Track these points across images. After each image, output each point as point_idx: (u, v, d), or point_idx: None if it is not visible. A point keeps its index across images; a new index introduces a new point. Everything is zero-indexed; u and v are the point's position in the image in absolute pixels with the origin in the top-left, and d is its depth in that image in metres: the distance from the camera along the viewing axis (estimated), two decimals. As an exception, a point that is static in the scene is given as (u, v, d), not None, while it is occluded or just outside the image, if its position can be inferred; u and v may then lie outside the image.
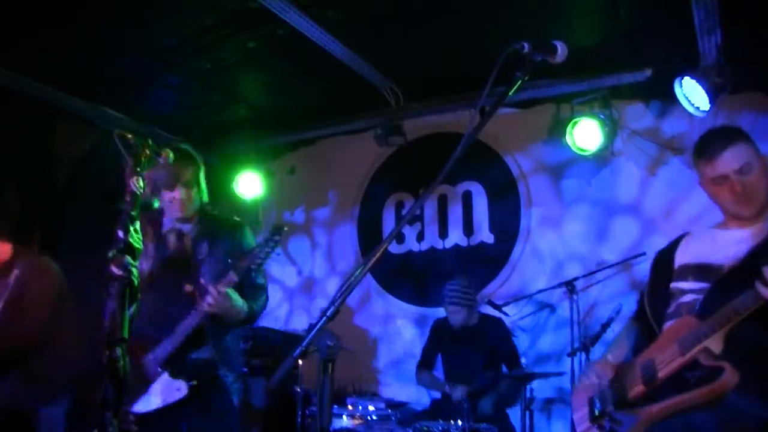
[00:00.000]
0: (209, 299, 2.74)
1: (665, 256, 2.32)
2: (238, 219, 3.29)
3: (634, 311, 2.48)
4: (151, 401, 2.81)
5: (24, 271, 3.17)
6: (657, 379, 1.96)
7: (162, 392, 2.81)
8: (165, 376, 2.82)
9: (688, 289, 2.11)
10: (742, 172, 2.07)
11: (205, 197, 3.20)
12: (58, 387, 3.32)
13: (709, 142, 2.19)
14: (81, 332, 3.44)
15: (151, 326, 2.88)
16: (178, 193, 3.03)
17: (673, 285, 2.17)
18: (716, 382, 1.81)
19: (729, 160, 2.08)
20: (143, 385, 2.82)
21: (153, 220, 3.09)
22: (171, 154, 2.25)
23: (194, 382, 2.81)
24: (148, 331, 2.87)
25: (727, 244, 2.09)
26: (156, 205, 3.10)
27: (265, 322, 5.74)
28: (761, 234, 2.06)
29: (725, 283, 1.98)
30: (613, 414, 2.04)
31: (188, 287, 2.95)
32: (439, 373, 4.67)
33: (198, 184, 3.16)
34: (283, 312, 6.12)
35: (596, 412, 2.12)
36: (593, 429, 2.12)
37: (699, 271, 2.11)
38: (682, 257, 2.23)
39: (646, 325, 2.28)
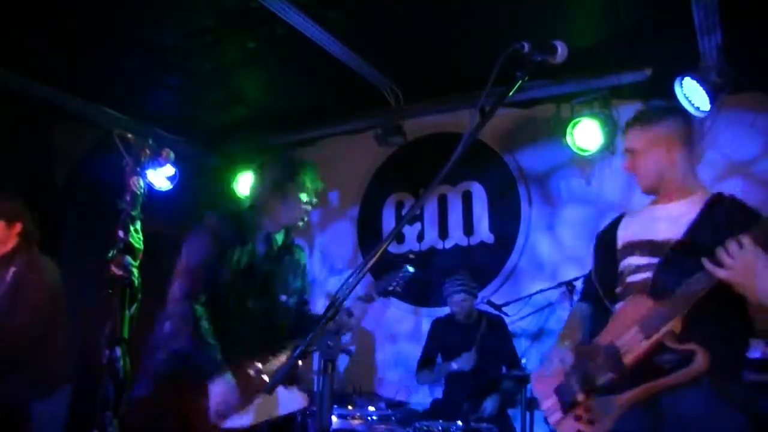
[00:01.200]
0: (358, 312, 2.91)
1: (607, 235, 2.39)
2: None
3: (580, 292, 2.55)
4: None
5: (21, 269, 3.19)
6: (623, 365, 1.99)
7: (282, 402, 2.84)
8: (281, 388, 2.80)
9: (636, 265, 2.17)
10: (629, 151, 2.32)
11: None
12: (52, 384, 3.32)
13: (632, 117, 2.37)
14: (77, 331, 3.44)
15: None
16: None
17: (622, 263, 2.23)
18: (691, 366, 1.86)
19: (630, 139, 2.32)
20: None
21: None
22: (171, 154, 2.25)
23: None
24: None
25: (663, 220, 2.19)
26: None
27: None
28: (694, 208, 2.15)
29: (673, 259, 2.04)
30: (588, 402, 2.05)
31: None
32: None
33: None
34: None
35: (568, 401, 2.12)
36: (568, 419, 2.11)
37: (644, 246, 2.17)
38: (624, 235, 2.30)
39: (598, 305, 2.31)
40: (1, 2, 3.60)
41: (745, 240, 1.84)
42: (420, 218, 5.58)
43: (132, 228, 2.06)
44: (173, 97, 4.99)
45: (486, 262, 5.23)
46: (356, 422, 3.80)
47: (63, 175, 5.09)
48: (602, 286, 2.31)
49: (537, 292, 4.67)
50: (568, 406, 2.12)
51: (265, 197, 2.97)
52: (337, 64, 4.38)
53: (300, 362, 1.75)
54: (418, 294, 5.44)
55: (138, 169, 2.08)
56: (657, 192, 2.30)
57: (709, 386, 1.90)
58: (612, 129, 4.60)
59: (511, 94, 1.76)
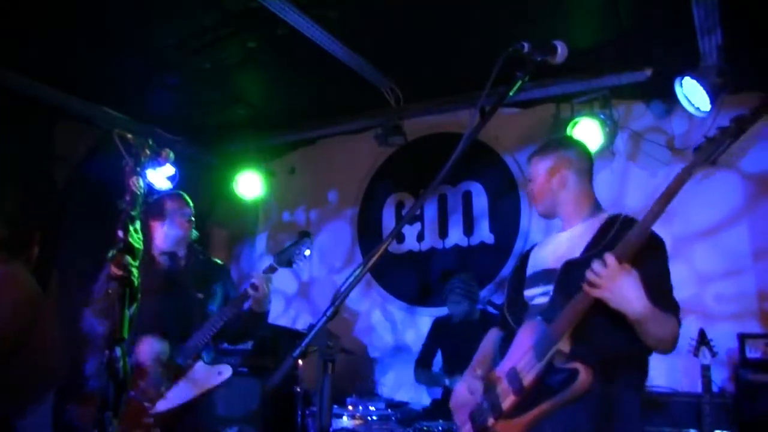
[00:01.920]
0: (255, 281, 3.05)
1: (521, 263, 2.47)
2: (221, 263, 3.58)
3: (497, 319, 2.63)
4: (185, 392, 2.98)
5: None
6: (524, 388, 2.05)
7: (200, 380, 3.03)
8: (200, 365, 3.04)
9: (536, 295, 2.25)
10: (529, 179, 2.44)
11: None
12: (34, 395, 3.24)
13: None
14: (72, 334, 3.38)
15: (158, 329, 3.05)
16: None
17: (526, 294, 2.32)
18: (575, 383, 1.93)
19: (530, 168, 2.45)
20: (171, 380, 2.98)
21: None
22: (171, 154, 2.25)
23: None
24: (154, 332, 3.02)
25: (562, 248, 2.27)
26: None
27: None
28: (591, 230, 2.23)
29: (562, 283, 2.11)
30: (496, 427, 2.12)
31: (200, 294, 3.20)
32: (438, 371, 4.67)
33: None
34: (283, 311, 6.12)
35: (481, 426, 2.19)
36: None
37: (544, 276, 2.24)
38: (533, 264, 2.38)
39: (509, 330, 2.37)
40: (1, 2, 3.59)
41: (609, 259, 1.89)
42: (420, 218, 5.58)
43: (132, 228, 2.06)
44: (173, 97, 4.99)
45: (486, 263, 5.23)
46: (356, 422, 3.80)
47: (63, 176, 5.09)
48: (512, 315, 2.38)
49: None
50: (480, 430, 2.18)
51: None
52: (337, 64, 4.38)
53: (300, 362, 1.75)
54: (419, 294, 5.45)
55: (138, 169, 2.08)
56: (553, 216, 2.39)
57: (597, 400, 1.96)
58: (612, 129, 4.59)
59: (511, 94, 1.76)
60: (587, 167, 2.42)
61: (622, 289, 1.88)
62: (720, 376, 3.89)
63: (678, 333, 2.01)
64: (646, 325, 1.92)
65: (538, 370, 2.02)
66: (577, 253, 2.17)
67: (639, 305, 1.89)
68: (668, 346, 2.02)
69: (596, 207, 2.36)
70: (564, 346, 1.99)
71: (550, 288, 2.17)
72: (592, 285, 1.92)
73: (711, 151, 2.07)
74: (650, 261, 2.02)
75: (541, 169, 2.40)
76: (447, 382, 4.33)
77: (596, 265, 1.91)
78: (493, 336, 2.54)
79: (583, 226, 2.28)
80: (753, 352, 3.64)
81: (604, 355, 1.99)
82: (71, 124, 5.04)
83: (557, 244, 2.34)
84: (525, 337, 2.14)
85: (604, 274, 1.89)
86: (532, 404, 2.02)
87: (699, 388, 3.42)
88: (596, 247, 2.09)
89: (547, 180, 2.37)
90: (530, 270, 2.37)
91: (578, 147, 2.49)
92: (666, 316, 1.96)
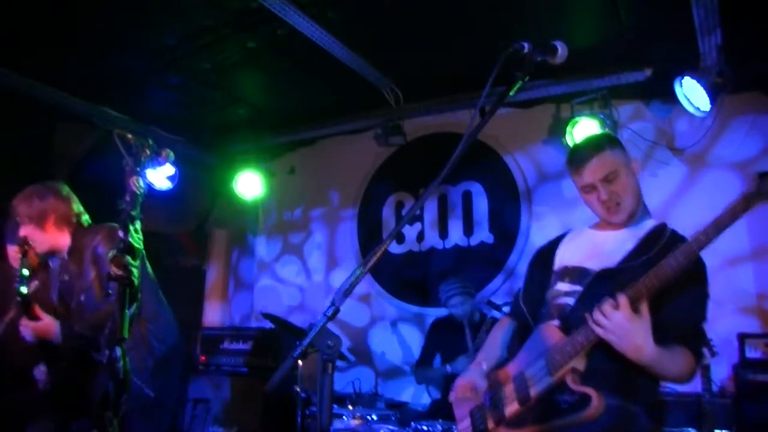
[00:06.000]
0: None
1: (546, 255, 2.32)
2: None
3: (510, 309, 2.50)
4: None
5: None
6: (530, 398, 1.98)
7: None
8: None
9: (564, 292, 2.13)
10: (607, 180, 2.10)
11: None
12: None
13: (577, 152, 2.21)
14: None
15: None
16: None
17: (554, 287, 2.18)
18: (585, 410, 1.85)
19: (594, 170, 2.11)
20: None
21: None
22: (171, 154, 2.25)
23: None
24: None
25: (599, 249, 2.14)
26: None
27: (265, 322, 5.75)
28: (631, 239, 2.09)
29: (590, 291, 2.00)
30: None
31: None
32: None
33: None
34: (283, 312, 6.12)
35: (480, 428, 2.12)
36: None
37: (575, 273, 2.13)
38: (562, 258, 2.24)
39: (522, 322, 2.28)
40: (1, 2, 3.59)
41: (621, 300, 1.81)
42: (420, 218, 5.58)
43: (132, 228, 2.06)
44: (173, 97, 4.99)
45: (486, 262, 5.23)
46: (356, 422, 3.80)
47: (62, 175, 5.08)
48: (528, 307, 2.27)
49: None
50: (479, 431, 2.12)
51: None
52: (337, 65, 4.38)
53: (300, 363, 1.75)
54: (419, 294, 5.44)
55: (138, 169, 2.08)
56: (625, 222, 2.17)
57: (606, 424, 1.87)
58: (612, 129, 4.59)
59: (511, 94, 1.76)
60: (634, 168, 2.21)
61: (628, 336, 1.81)
62: (720, 376, 3.89)
63: (694, 368, 1.93)
64: (651, 368, 1.87)
65: (549, 384, 1.94)
66: (616, 259, 2.04)
67: (643, 354, 1.82)
68: (683, 381, 1.96)
69: (645, 211, 2.21)
70: (579, 363, 1.92)
71: (577, 288, 2.08)
72: (599, 324, 1.84)
73: None
74: (684, 291, 1.92)
75: (622, 161, 2.13)
76: (449, 368, 4.31)
77: (607, 306, 1.83)
78: (503, 327, 2.41)
79: (628, 232, 2.13)
80: (753, 352, 3.64)
81: (622, 379, 1.92)
82: (71, 124, 5.04)
83: (594, 242, 2.20)
84: (540, 342, 2.05)
85: (614, 319, 1.81)
86: (537, 419, 1.96)
87: (699, 388, 3.42)
88: (636, 259, 1.99)
89: (633, 173, 2.14)
90: (559, 263, 2.23)
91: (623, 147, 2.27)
92: (677, 356, 1.89)
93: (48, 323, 2.86)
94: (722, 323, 3.96)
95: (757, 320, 4.16)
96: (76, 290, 2.96)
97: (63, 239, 3.02)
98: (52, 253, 3.06)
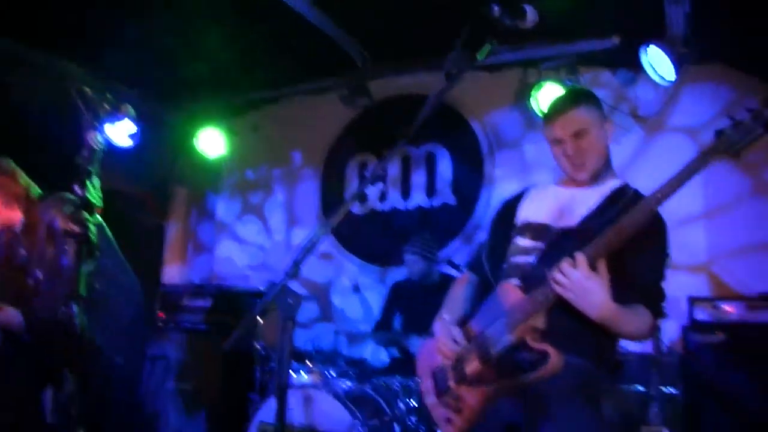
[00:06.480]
0: None
1: (508, 209, 2.32)
2: None
3: (469, 261, 2.50)
4: None
5: None
6: (491, 357, 2.00)
7: None
8: None
9: (524, 248, 2.14)
10: (576, 136, 2.10)
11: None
12: None
13: (552, 105, 2.22)
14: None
15: None
16: None
17: (514, 240, 2.18)
18: (544, 367, 1.88)
19: (564, 124, 2.11)
20: None
21: None
22: (131, 109, 2.19)
23: None
24: None
25: (563, 206, 2.14)
26: None
27: (225, 280, 5.74)
28: (595, 198, 2.10)
29: (555, 247, 2.02)
30: (458, 390, 2.07)
31: None
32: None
33: None
34: (245, 270, 6.10)
35: (442, 387, 2.15)
36: (440, 404, 2.14)
37: (538, 230, 2.14)
38: (526, 213, 2.24)
39: (483, 277, 2.30)
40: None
41: (579, 258, 1.84)
42: (383, 179, 5.57)
43: (90, 184, 2.02)
44: (133, 51, 4.82)
45: (447, 223, 5.27)
46: (315, 378, 3.83)
47: (21, 129, 4.91)
48: (489, 262, 2.28)
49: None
50: (441, 391, 2.14)
51: None
52: (303, 23, 4.28)
53: (260, 320, 1.76)
54: (380, 254, 5.47)
55: (96, 124, 2.03)
56: (596, 180, 2.17)
57: (565, 381, 1.90)
58: (577, 95, 4.61)
59: (480, 57, 1.75)
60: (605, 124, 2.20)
61: (586, 294, 1.84)
62: (669, 337, 4.04)
63: (652, 325, 1.96)
64: (610, 325, 1.90)
65: (509, 343, 1.97)
66: (576, 218, 2.08)
67: (602, 311, 1.85)
68: (641, 339, 2.02)
69: (611, 171, 2.21)
70: (539, 322, 1.94)
71: (538, 245, 2.09)
72: (558, 283, 1.87)
73: (737, 139, 1.75)
74: (644, 250, 1.95)
75: (594, 120, 2.14)
76: (405, 342, 4.37)
77: (565, 265, 1.86)
78: (466, 282, 2.39)
79: (592, 191, 2.14)
80: (701, 314, 3.77)
81: (581, 337, 1.96)
82: (26, 77, 4.85)
83: (559, 198, 2.19)
84: (500, 301, 2.06)
85: (572, 277, 1.85)
86: (497, 377, 1.98)
87: (649, 348, 3.56)
88: (597, 219, 2.01)
89: (604, 133, 2.15)
90: (521, 218, 2.23)
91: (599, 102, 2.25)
92: (636, 314, 1.93)
93: (7, 313, 2.71)
94: (673, 284, 4.08)
95: (707, 282, 4.31)
96: (32, 265, 2.88)
97: (14, 216, 2.92)
98: (3, 231, 2.94)
